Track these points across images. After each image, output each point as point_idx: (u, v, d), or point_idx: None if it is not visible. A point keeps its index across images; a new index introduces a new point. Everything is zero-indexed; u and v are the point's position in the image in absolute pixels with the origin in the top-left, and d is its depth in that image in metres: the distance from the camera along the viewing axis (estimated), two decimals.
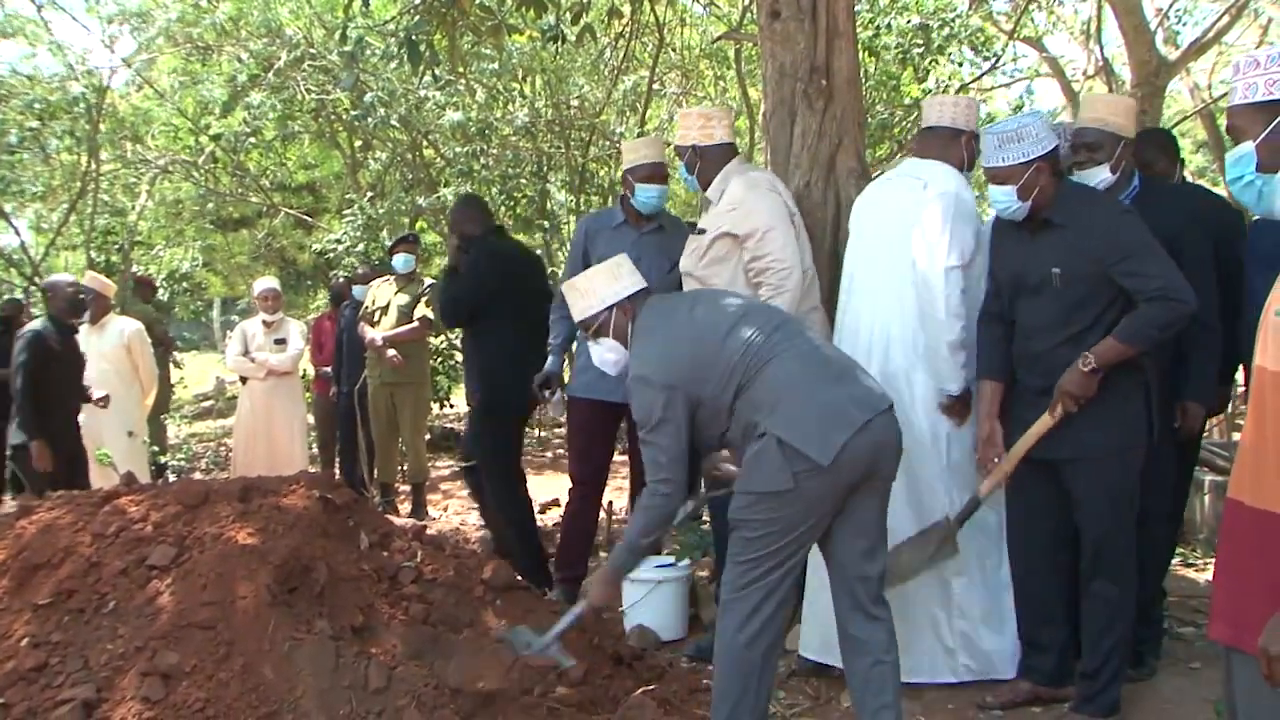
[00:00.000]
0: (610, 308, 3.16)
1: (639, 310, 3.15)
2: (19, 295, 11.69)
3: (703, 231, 3.98)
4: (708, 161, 4.05)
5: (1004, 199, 3.30)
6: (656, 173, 4.56)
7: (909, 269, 3.65)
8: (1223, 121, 2.12)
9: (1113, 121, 3.63)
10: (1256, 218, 3.26)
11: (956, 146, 3.79)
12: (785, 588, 2.92)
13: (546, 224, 10.80)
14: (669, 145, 5.62)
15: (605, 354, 3.22)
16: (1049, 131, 3.33)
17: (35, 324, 6.03)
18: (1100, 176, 3.60)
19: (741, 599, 2.90)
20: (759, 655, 2.92)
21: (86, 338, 6.90)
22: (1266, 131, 1.97)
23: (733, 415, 2.95)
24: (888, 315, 3.69)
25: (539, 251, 11.98)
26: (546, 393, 4.85)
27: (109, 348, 6.79)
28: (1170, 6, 12.23)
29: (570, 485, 4.87)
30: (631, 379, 3.06)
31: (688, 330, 3.03)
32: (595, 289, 3.19)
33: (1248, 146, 1.99)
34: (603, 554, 5.78)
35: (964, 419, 3.65)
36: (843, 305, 3.88)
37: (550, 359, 4.86)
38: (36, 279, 12.38)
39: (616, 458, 5.33)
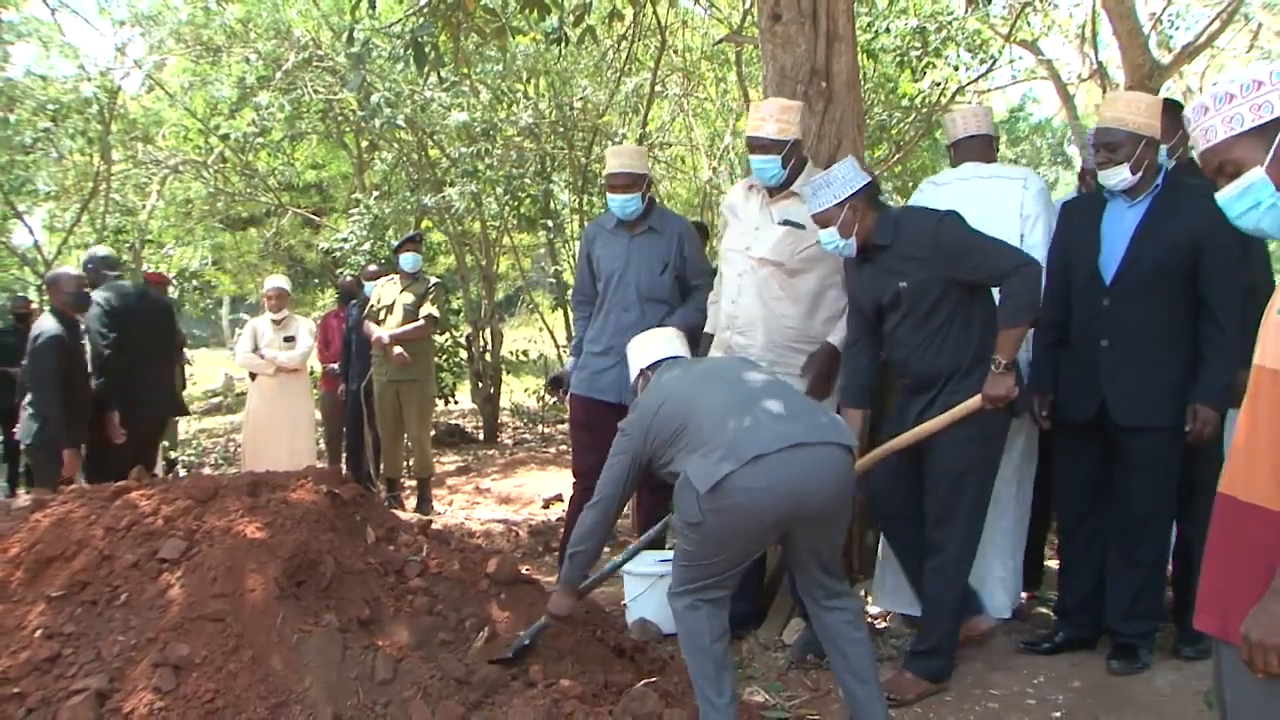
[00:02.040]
0: (641, 373, 3.48)
1: (659, 371, 3.41)
2: (32, 293, 11.71)
3: (800, 226, 3.91)
4: (799, 157, 4.00)
5: (829, 240, 3.57)
6: (620, 181, 4.55)
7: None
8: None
9: (1132, 121, 3.56)
10: None
11: (990, 150, 4.37)
12: (716, 596, 3.06)
13: (550, 223, 10.81)
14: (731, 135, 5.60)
15: None
16: (857, 172, 3.53)
17: (47, 323, 6.00)
18: (1119, 177, 3.58)
19: (680, 594, 3.08)
20: (703, 631, 3.05)
21: None
22: (1273, 150, 1.93)
23: (671, 465, 3.12)
24: None
25: (543, 250, 12.02)
26: (560, 391, 4.89)
27: None
28: (1163, 11, 12.26)
29: (573, 480, 4.88)
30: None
31: (654, 404, 3.21)
32: (633, 358, 3.54)
33: (1257, 173, 1.94)
34: (606, 548, 5.79)
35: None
36: None
37: (570, 360, 4.91)
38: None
39: None
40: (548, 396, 5.02)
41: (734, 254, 4.06)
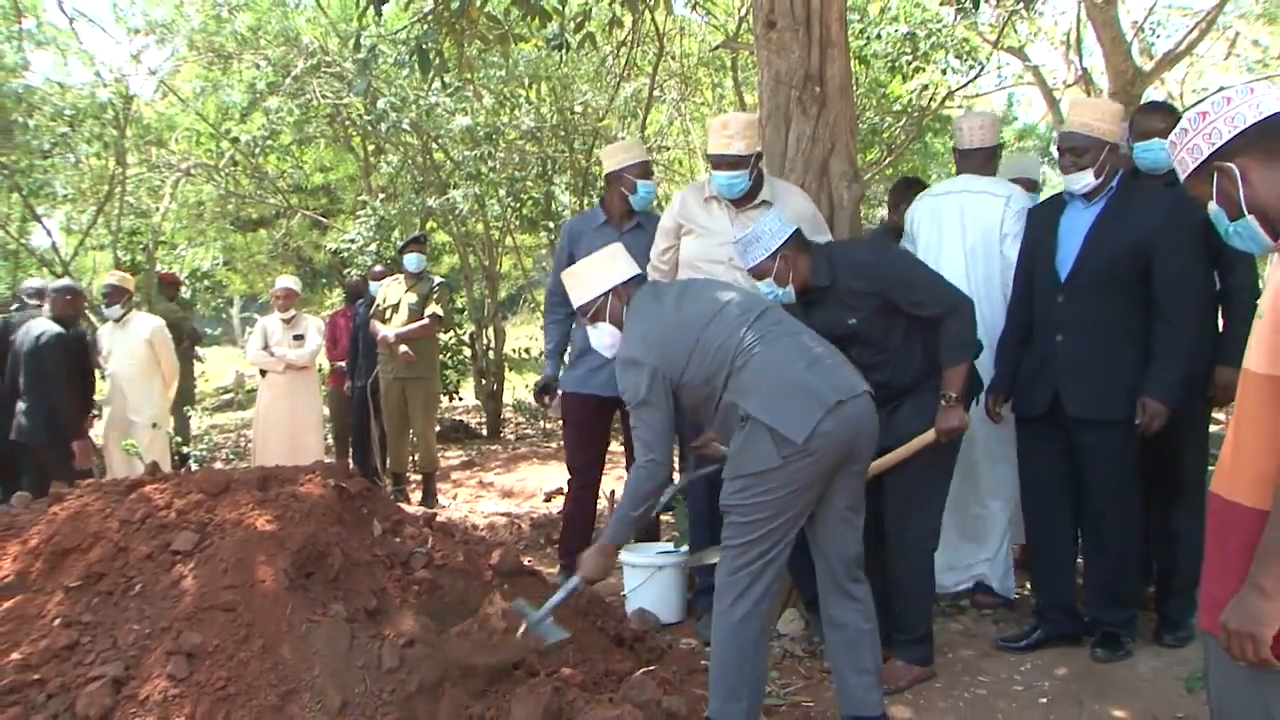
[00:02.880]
0: (606, 293, 3.21)
1: (632, 296, 3.20)
2: (26, 288, 11.70)
3: None
4: (759, 168, 3.97)
5: (769, 290, 3.47)
6: (648, 170, 4.62)
7: (1001, 266, 4.14)
8: None
9: (1098, 127, 3.61)
10: None
11: (993, 162, 4.40)
12: (772, 572, 2.97)
13: (551, 224, 10.79)
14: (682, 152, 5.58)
15: (602, 338, 3.27)
16: (782, 223, 3.46)
17: (48, 324, 5.99)
18: (1084, 181, 3.64)
19: (734, 582, 2.96)
20: (752, 634, 2.97)
21: (111, 334, 6.93)
22: (1215, 191, 2.01)
23: (720, 402, 3.01)
24: (997, 304, 4.11)
25: (545, 251, 12.01)
26: (547, 398, 4.86)
27: (132, 344, 6.80)
28: (1145, 19, 12.28)
29: (569, 476, 4.87)
30: (618, 360, 3.14)
31: (672, 317, 3.08)
32: (592, 276, 3.25)
33: (1214, 208, 2.03)
34: None
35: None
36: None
37: (548, 365, 4.86)
38: (68, 276, 12.42)
39: (614, 447, 5.32)
40: (536, 405, 5.01)
41: (713, 265, 3.93)
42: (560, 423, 5.39)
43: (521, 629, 3.11)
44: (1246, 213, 1.98)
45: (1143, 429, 3.55)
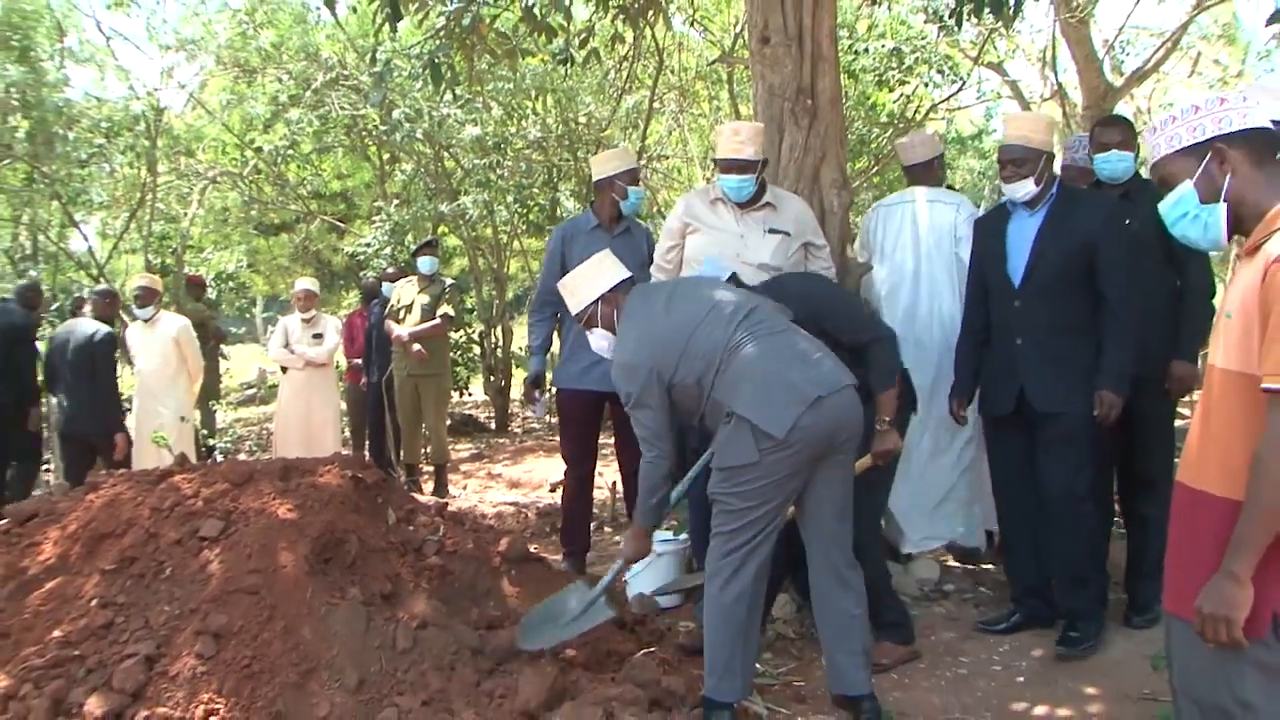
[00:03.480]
0: (597, 300, 3.21)
1: (623, 300, 3.19)
2: (85, 294, 11.76)
3: (786, 233, 3.89)
4: (763, 173, 3.98)
5: None
6: (637, 177, 4.62)
7: (955, 266, 4.34)
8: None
9: (1035, 139, 3.65)
10: None
11: (937, 171, 4.61)
12: (759, 556, 2.98)
13: (568, 226, 10.79)
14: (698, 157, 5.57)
15: (599, 341, 3.26)
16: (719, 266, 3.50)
17: (99, 325, 6.04)
18: (1025, 189, 3.67)
19: (725, 565, 2.97)
20: (743, 612, 2.98)
21: (140, 333, 6.93)
22: (1200, 169, 2.00)
23: (708, 399, 3.00)
24: (945, 298, 4.38)
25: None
26: (536, 392, 4.84)
27: (161, 342, 6.81)
28: (1115, 38, 12.30)
29: (565, 468, 4.85)
30: (614, 363, 3.12)
31: (663, 319, 3.06)
32: (583, 285, 3.24)
33: (1186, 185, 2.02)
34: (607, 529, 5.80)
35: None
36: (904, 289, 4.45)
37: (534, 360, 4.83)
38: (102, 278, 12.49)
39: (605, 439, 5.30)
40: (525, 399, 4.96)
41: (722, 261, 3.95)
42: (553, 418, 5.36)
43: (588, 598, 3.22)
44: (1223, 200, 1.98)
45: (1100, 418, 3.54)
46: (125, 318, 9.22)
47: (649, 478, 3.12)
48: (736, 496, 2.93)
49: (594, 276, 3.24)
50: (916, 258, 4.44)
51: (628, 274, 3.28)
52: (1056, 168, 3.94)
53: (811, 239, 4.03)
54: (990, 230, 3.86)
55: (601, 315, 3.21)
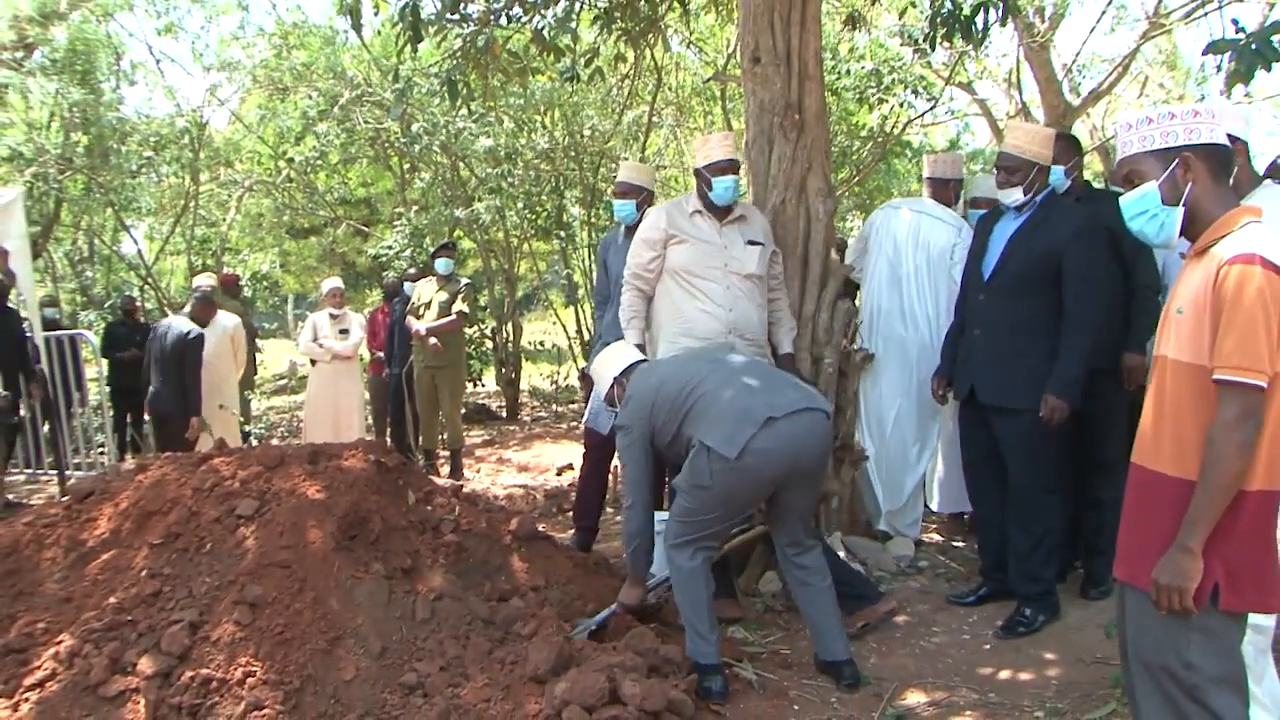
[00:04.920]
0: (612, 384, 3.46)
1: (629, 377, 3.41)
2: (135, 293, 11.78)
3: (762, 244, 3.85)
4: None
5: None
6: (619, 189, 4.68)
7: (945, 281, 4.41)
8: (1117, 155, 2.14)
9: (1029, 150, 3.57)
10: None
11: (955, 193, 4.64)
12: (711, 543, 3.12)
13: (563, 233, 10.77)
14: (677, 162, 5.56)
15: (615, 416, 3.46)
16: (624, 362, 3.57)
17: (191, 325, 6.31)
18: (1014, 195, 3.61)
19: (681, 545, 3.09)
20: (700, 582, 3.08)
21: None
22: (1166, 173, 1.98)
23: (679, 437, 3.10)
24: (927, 302, 4.46)
25: (557, 256, 11.99)
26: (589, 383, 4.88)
27: (218, 337, 6.87)
28: (1073, 62, 12.35)
29: (584, 451, 4.87)
30: (615, 426, 3.35)
31: (650, 391, 3.21)
32: (604, 372, 3.51)
33: (1151, 186, 2.00)
34: (609, 510, 5.79)
35: None
36: (884, 287, 4.55)
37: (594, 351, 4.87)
38: (149, 279, 12.50)
39: None
40: (580, 388, 5.03)
41: (712, 270, 3.77)
42: (569, 405, 5.36)
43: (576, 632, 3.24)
44: (1182, 204, 1.98)
45: (1044, 419, 3.45)
46: (170, 313, 9.24)
47: (626, 524, 3.30)
48: (690, 500, 3.03)
49: (610, 364, 3.50)
50: (904, 260, 4.48)
51: (636, 359, 3.49)
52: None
53: (775, 247, 3.97)
54: (982, 227, 3.83)
55: (616, 395, 3.43)
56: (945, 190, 4.60)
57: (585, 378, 4.89)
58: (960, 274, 4.05)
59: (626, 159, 10.63)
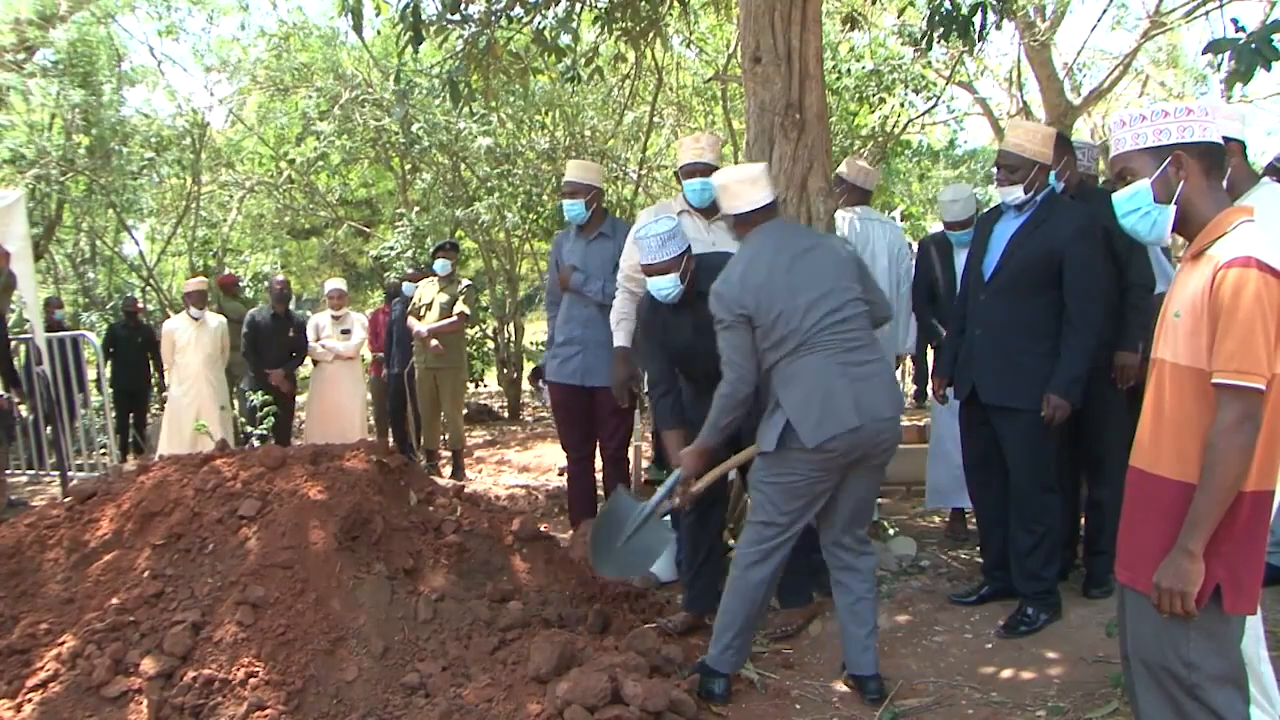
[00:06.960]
0: (737, 218, 3.08)
1: (756, 226, 3.05)
2: (137, 294, 11.80)
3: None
4: None
5: (671, 285, 3.28)
6: (567, 189, 4.55)
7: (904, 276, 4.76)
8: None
9: (1029, 148, 3.53)
10: None
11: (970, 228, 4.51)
12: (786, 550, 3.02)
13: (562, 233, 10.77)
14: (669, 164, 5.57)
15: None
16: (683, 233, 3.33)
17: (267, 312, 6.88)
18: (1014, 194, 3.56)
19: (755, 551, 3.01)
20: (761, 597, 3.04)
21: (193, 329, 7.00)
22: (1158, 171, 1.98)
23: (771, 369, 2.95)
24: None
25: None
26: (540, 381, 4.83)
27: (209, 336, 6.91)
28: (1074, 61, 12.32)
29: (565, 454, 4.84)
30: (712, 289, 3.00)
31: (782, 277, 2.92)
32: (743, 192, 3.06)
33: (1144, 183, 2.00)
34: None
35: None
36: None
37: (547, 352, 4.81)
38: (151, 280, 12.49)
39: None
40: (530, 387, 5.02)
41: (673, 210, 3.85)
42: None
43: (639, 512, 3.20)
44: (1174, 203, 1.97)
45: (1046, 420, 3.45)
46: (171, 313, 9.24)
47: (728, 398, 2.97)
48: (773, 487, 2.95)
49: (751, 188, 3.05)
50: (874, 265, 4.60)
51: (769, 200, 3.08)
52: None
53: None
54: (983, 227, 3.81)
55: (732, 232, 3.10)
56: (966, 228, 4.52)
57: (536, 373, 4.83)
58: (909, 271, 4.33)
59: (628, 159, 10.65)
